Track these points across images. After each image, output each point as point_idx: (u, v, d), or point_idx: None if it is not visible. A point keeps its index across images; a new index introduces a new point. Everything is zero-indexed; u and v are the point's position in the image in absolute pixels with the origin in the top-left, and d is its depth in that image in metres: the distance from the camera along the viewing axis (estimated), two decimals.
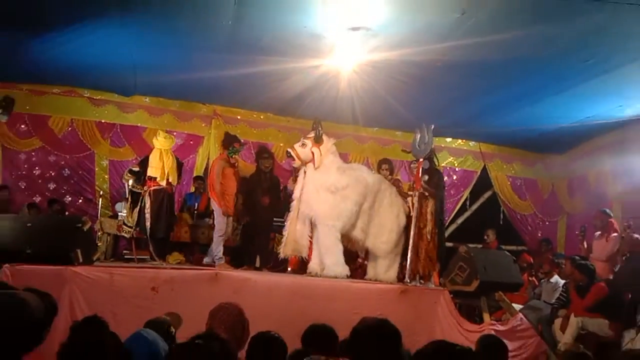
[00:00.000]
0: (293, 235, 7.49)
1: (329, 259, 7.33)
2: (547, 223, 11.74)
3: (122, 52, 7.85)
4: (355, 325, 2.89)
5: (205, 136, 10.55)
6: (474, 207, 11.70)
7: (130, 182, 8.22)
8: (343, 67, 7.57)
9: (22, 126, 9.77)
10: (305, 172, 7.52)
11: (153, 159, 8.08)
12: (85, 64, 8.47)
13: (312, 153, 7.48)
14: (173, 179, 8.22)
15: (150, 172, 8.00)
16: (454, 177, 11.56)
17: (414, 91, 8.28)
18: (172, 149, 8.67)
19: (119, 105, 10.14)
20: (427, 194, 7.65)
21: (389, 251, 7.73)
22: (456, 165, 11.56)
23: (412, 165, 8.41)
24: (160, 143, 8.22)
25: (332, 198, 7.39)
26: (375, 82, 7.95)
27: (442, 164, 11.22)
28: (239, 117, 10.62)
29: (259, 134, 10.65)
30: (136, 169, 8.22)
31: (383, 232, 7.71)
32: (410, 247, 7.47)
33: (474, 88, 8.35)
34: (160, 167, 8.05)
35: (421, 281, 7.59)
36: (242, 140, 8.80)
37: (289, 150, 7.62)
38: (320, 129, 7.59)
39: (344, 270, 7.32)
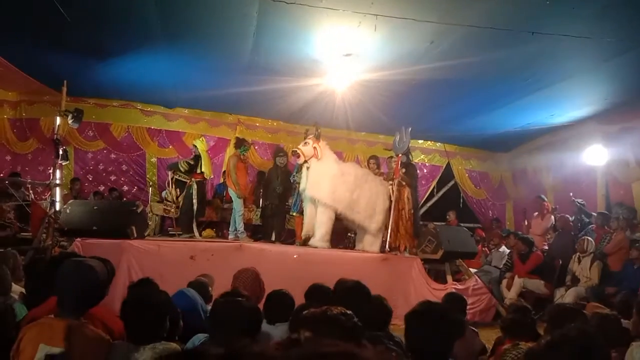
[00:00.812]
0: (308, 218, 7.50)
1: (318, 232, 7.30)
2: (497, 205, 11.74)
3: (166, 73, 7.85)
4: (335, 285, 2.92)
5: (230, 139, 10.35)
6: (440, 193, 11.69)
7: (180, 172, 8.22)
8: (338, 85, 7.57)
9: (90, 132, 9.77)
10: (308, 169, 7.47)
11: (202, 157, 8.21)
12: (138, 82, 8.46)
13: (314, 148, 7.45)
14: (208, 172, 8.34)
15: (199, 167, 8.14)
16: (425, 171, 11.52)
17: (394, 103, 8.26)
18: (206, 149, 8.71)
19: (165, 115, 10.12)
20: (404, 182, 7.63)
21: (377, 229, 7.70)
22: (426, 161, 11.52)
23: (390, 159, 8.28)
24: (200, 145, 8.32)
25: (332, 183, 7.35)
26: (363, 97, 7.94)
27: (415, 160, 11.25)
28: (257, 124, 10.57)
29: (272, 137, 10.61)
30: (191, 162, 8.21)
31: (374, 214, 7.65)
32: (390, 225, 7.45)
33: (441, 100, 8.31)
34: (204, 164, 8.18)
35: (400, 251, 7.60)
36: (251, 141, 8.93)
37: (296, 149, 7.58)
38: (319, 129, 7.60)
39: (325, 245, 7.30)
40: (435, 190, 11.65)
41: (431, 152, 11.57)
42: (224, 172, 9.95)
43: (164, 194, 9.29)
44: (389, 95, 7.86)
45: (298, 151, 7.47)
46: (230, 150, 10.29)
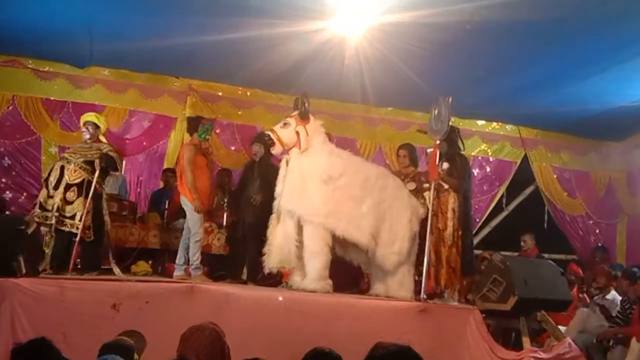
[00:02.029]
0: (276, 241, 7.39)
1: (311, 267, 7.23)
2: (602, 226, 11.77)
3: (75, 14, 7.88)
4: (370, 352, 2.88)
5: (178, 117, 10.52)
6: (512, 206, 11.74)
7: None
8: (349, 31, 7.62)
9: None
10: (287, 162, 7.43)
11: None
12: (30, 29, 8.48)
13: (297, 133, 7.38)
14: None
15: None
16: (487, 169, 11.60)
17: (437, 62, 8.33)
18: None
19: (71, 79, 10.15)
20: (446, 186, 7.62)
21: (400, 263, 7.59)
22: (490, 154, 11.60)
23: (428, 151, 8.19)
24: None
25: (323, 189, 7.25)
26: (389, 51, 7.97)
27: (473, 153, 11.31)
28: (220, 94, 10.67)
29: (244, 115, 10.69)
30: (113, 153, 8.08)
31: (394, 240, 7.55)
32: (426, 255, 7.39)
33: (512, 57, 8.38)
34: None
35: (443, 297, 7.59)
36: (214, 118, 9.00)
37: (268, 132, 7.55)
38: (307, 103, 7.50)
39: (325, 285, 7.21)
40: (504, 200, 11.70)
41: (498, 139, 11.64)
42: (167, 170, 9.99)
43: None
44: (429, 48, 7.89)
45: (272, 135, 7.41)
46: (178, 135, 10.33)
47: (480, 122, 11.45)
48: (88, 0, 7.51)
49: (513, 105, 10.26)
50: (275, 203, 7.45)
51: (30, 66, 9.95)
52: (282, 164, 7.50)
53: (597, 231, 11.72)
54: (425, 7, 6.93)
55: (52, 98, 10.12)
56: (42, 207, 7.29)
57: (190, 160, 7.93)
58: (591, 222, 11.73)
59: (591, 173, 11.86)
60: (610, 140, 11.47)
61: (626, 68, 8.34)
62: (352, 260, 7.93)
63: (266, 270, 7.55)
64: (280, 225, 7.40)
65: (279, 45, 8.20)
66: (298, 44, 8.06)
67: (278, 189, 7.43)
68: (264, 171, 8.43)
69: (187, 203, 7.99)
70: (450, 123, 7.63)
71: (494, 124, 11.57)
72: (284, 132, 7.38)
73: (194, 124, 8.33)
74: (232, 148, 10.44)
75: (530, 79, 9.04)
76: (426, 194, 7.68)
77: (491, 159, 11.61)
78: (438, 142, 7.56)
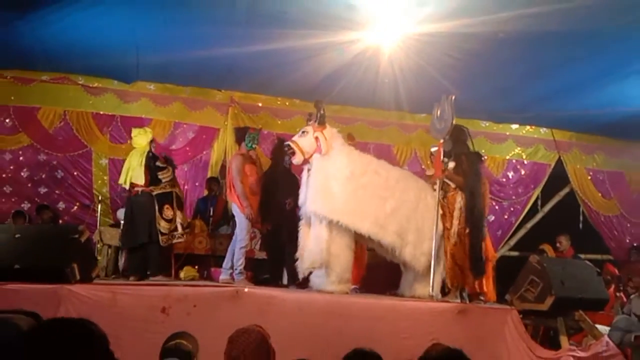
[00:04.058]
0: (307, 245, 7.40)
1: (331, 269, 7.24)
2: (637, 226, 11.60)
3: (121, 31, 7.98)
4: (425, 352, 2.88)
5: (221, 128, 10.61)
6: (547, 208, 11.64)
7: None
8: (384, 42, 7.62)
9: (7, 120, 9.96)
10: (308, 170, 7.45)
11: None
12: (79, 46, 8.59)
13: (317, 139, 7.39)
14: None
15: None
16: (522, 172, 11.51)
17: (472, 69, 8.28)
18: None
19: (119, 94, 10.28)
20: (453, 185, 7.54)
21: (429, 264, 7.51)
22: (524, 157, 11.50)
23: (432, 150, 8.17)
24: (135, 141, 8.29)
25: (347, 187, 7.27)
26: (423, 60, 7.95)
27: (507, 157, 11.25)
28: (260, 105, 10.72)
29: (284, 125, 10.69)
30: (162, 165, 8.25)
31: (423, 240, 7.54)
32: (433, 254, 7.34)
33: (545, 63, 8.29)
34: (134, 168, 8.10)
35: (463, 295, 7.57)
36: (259, 128, 8.99)
37: (289, 142, 7.53)
38: (322, 109, 7.50)
39: (344, 288, 7.26)
40: (539, 202, 11.60)
41: (532, 142, 11.54)
42: (211, 179, 10.08)
43: (119, 214, 9.42)
44: (464, 57, 7.88)
45: (292, 145, 7.42)
46: (221, 145, 10.41)
47: (515, 126, 11.37)
48: (134, 18, 7.58)
49: (546, 109, 10.19)
50: (302, 208, 7.49)
51: (80, 82, 10.09)
52: (304, 172, 7.55)
53: (632, 231, 11.54)
54: (458, 18, 6.91)
55: (101, 112, 10.25)
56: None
57: (239, 170, 7.99)
58: (626, 222, 11.57)
59: (625, 174, 11.69)
60: None
61: None
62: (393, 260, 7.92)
63: (300, 276, 7.58)
64: (310, 229, 7.43)
65: (315, 56, 8.22)
66: (334, 54, 8.08)
67: (302, 195, 7.48)
68: (291, 177, 8.46)
69: (237, 211, 8.05)
70: (454, 122, 7.41)
71: (528, 127, 11.47)
72: (304, 141, 7.41)
73: (241, 134, 8.35)
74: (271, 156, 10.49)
75: (562, 84, 8.95)
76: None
77: (526, 162, 11.50)
78: (442, 140, 7.50)
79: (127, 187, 8.12)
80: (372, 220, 7.33)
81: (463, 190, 7.53)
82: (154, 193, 8.05)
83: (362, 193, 7.34)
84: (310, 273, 7.52)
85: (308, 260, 7.33)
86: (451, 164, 7.54)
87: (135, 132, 8.34)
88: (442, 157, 7.50)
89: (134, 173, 8.01)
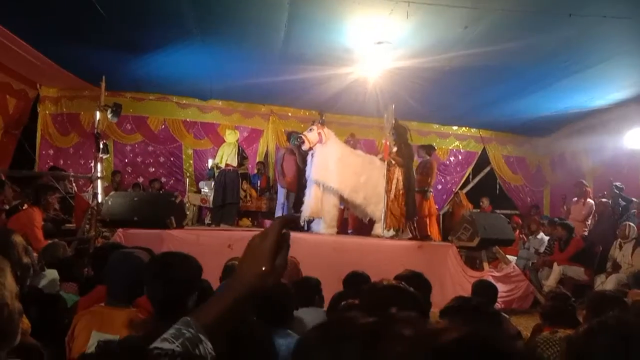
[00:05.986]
0: (308, 201, 7.52)
1: (323, 219, 7.42)
2: (534, 192, 11.54)
3: (200, 66, 7.99)
4: (398, 275, 2.85)
5: (264, 129, 10.60)
6: (475, 180, 11.57)
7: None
8: (370, 73, 7.56)
9: (128, 125, 10.00)
10: (312, 155, 7.56)
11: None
12: (174, 76, 8.61)
13: (319, 134, 7.50)
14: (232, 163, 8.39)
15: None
16: (460, 157, 11.43)
17: (427, 90, 8.18)
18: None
19: (199, 107, 10.27)
20: (394, 162, 7.50)
21: (381, 215, 7.57)
22: (461, 147, 11.41)
23: (382, 141, 8.25)
24: (229, 138, 8.56)
25: (337, 166, 7.40)
26: (395, 85, 7.87)
27: (450, 147, 11.21)
28: (289, 114, 10.65)
29: (305, 127, 10.58)
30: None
31: (379, 201, 7.57)
32: (383, 208, 7.43)
33: (475, 86, 8.20)
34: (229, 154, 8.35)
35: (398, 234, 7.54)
36: (296, 132, 9.02)
37: (301, 135, 7.62)
38: (323, 115, 7.77)
39: (331, 231, 7.42)
40: (470, 176, 11.54)
41: (466, 138, 11.44)
42: (259, 163, 10.13)
43: (200, 184, 9.47)
44: (422, 82, 7.79)
45: (303, 137, 7.52)
46: (264, 141, 10.56)
47: (455, 127, 11.27)
48: (209, 58, 7.59)
49: (476, 115, 10.11)
50: (309, 179, 7.60)
51: (174, 100, 10.09)
52: (309, 158, 7.68)
53: (531, 195, 11.49)
54: (419, 57, 6.86)
55: (188, 119, 10.26)
56: None
57: (282, 158, 8.38)
58: (527, 189, 11.51)
59: (527, 158, 11.59)
60: (538, 136, 11.18)
61: (547, 90, 8.12)
62: (358, 216, 8.04)
63: (301, 221, 7.66)
64: (311, 190, 7.55)
65: (324, 83, 8.18)
66: (336, 81, 8.03)
67: (308, 169, 7.63)
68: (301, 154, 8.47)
69: (281, 184, 8.38)
70: (393, 123, 7.59)
71: (464, 128, 11.35)
72: (310, 135, 7.54)
73: (288, 135, 8.83)
74: None
75: (486, 99, 8.86)
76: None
77: (462, 151, 11.42)
78: (389, 134, 7.60)
79: (222, 166, 8.29)
80: (350, 188, 7.48)
81: (401, 167, 7.53)
82: (239, 172, 8.40)
83: (346, 170, 7.47)
84: (311, 221, 7.68)
85: (307, 211, 7.50)
86: (394, 150, 7.56)
87: (228, 132, 8.74)
88: (389, 145, 7.57)
89: (228, 157, 8.27)
